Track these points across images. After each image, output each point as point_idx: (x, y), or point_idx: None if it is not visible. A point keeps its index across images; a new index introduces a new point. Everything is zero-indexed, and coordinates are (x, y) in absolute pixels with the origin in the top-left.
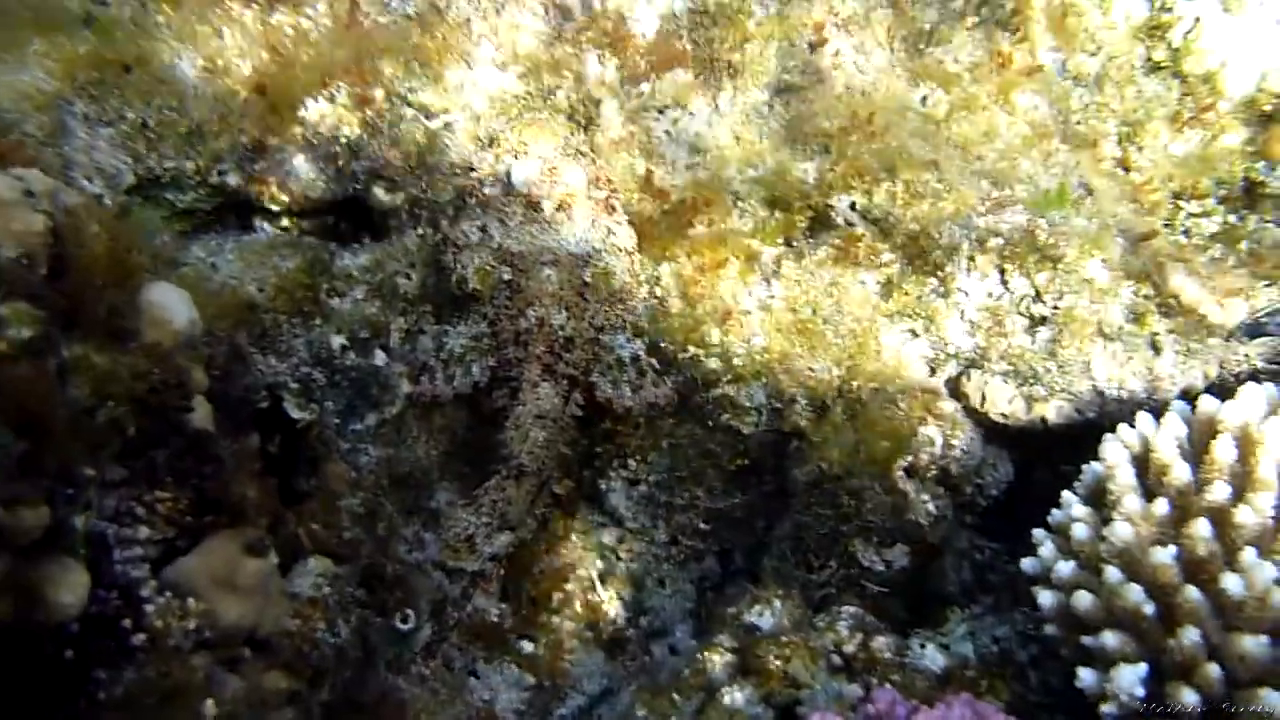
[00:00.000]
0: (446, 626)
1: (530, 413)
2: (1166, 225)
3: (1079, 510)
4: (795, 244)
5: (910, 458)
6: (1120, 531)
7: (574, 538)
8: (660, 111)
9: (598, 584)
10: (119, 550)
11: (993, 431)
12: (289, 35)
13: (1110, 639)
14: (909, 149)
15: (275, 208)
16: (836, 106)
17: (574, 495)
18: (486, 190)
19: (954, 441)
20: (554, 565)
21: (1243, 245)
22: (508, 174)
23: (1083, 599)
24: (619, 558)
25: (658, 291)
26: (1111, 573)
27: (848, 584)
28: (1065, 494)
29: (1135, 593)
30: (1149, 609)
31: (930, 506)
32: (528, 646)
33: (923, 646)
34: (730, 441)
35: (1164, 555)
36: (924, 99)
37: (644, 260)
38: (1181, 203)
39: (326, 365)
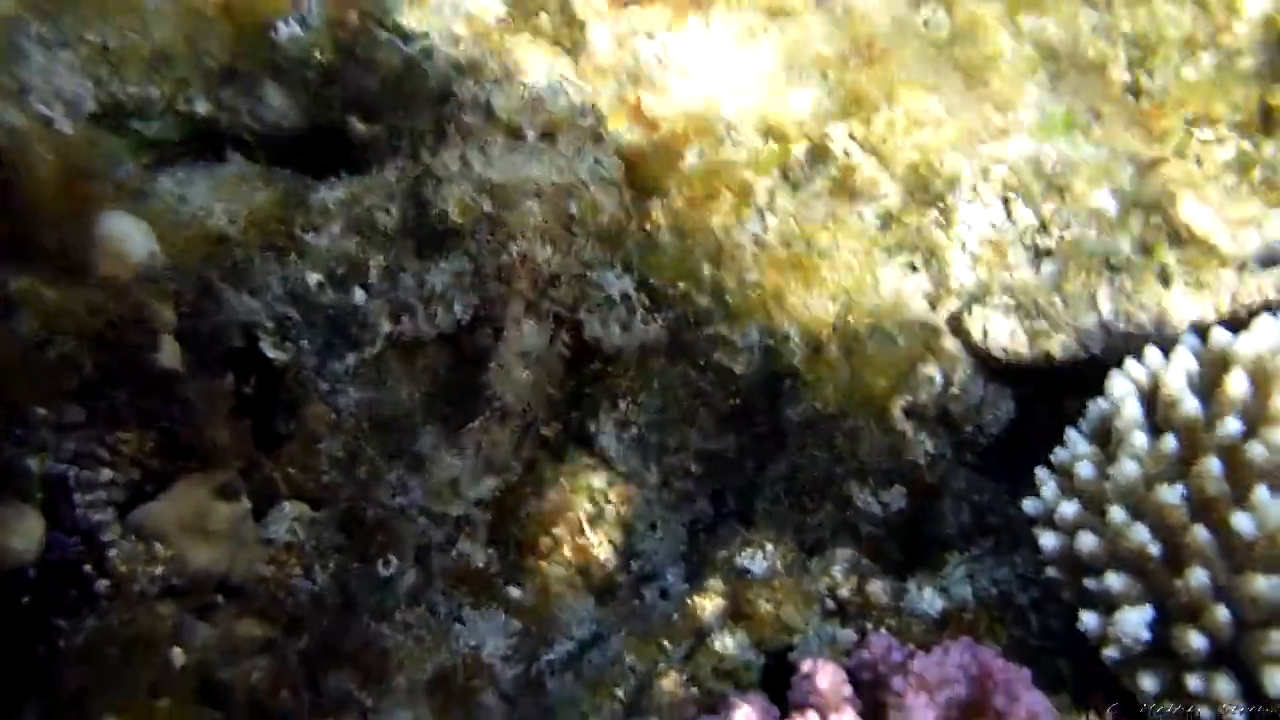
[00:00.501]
0: (431, 572)
1: (514, 351)
2: (1178, 154)
3: (1083, 448)
4: (790, 175)
5: (909, 396)
6: (1126, 469)
7: (562, 481)
8: (650, 35)
9: (587, 528)
10: (80, 494)
11: (995, 369)
12: None
13: (1114, 581)
14: (911, 74)
15: (248, 138)
16: (835, 31)
17: (562, 438)
18: (467, 118)
19: (954, 379)
20: (542, 509)
21: (1256, 173)
22: (488, 101)
23: (1086, 540)
24: (609, 501)
25: (647, 225)
26: (1116, 512)
27: (843, 527)
28: (1069, 432)
29: (1141, 533)
30: (1155, 549)
31: (929, 446)
32: (515, 592)
33: (920, 590)
34: (723, 382)
35: (1171, 494)
36: (926, 21)
37: (633, 192)
38: (1194, 130)
39: (303, 303)
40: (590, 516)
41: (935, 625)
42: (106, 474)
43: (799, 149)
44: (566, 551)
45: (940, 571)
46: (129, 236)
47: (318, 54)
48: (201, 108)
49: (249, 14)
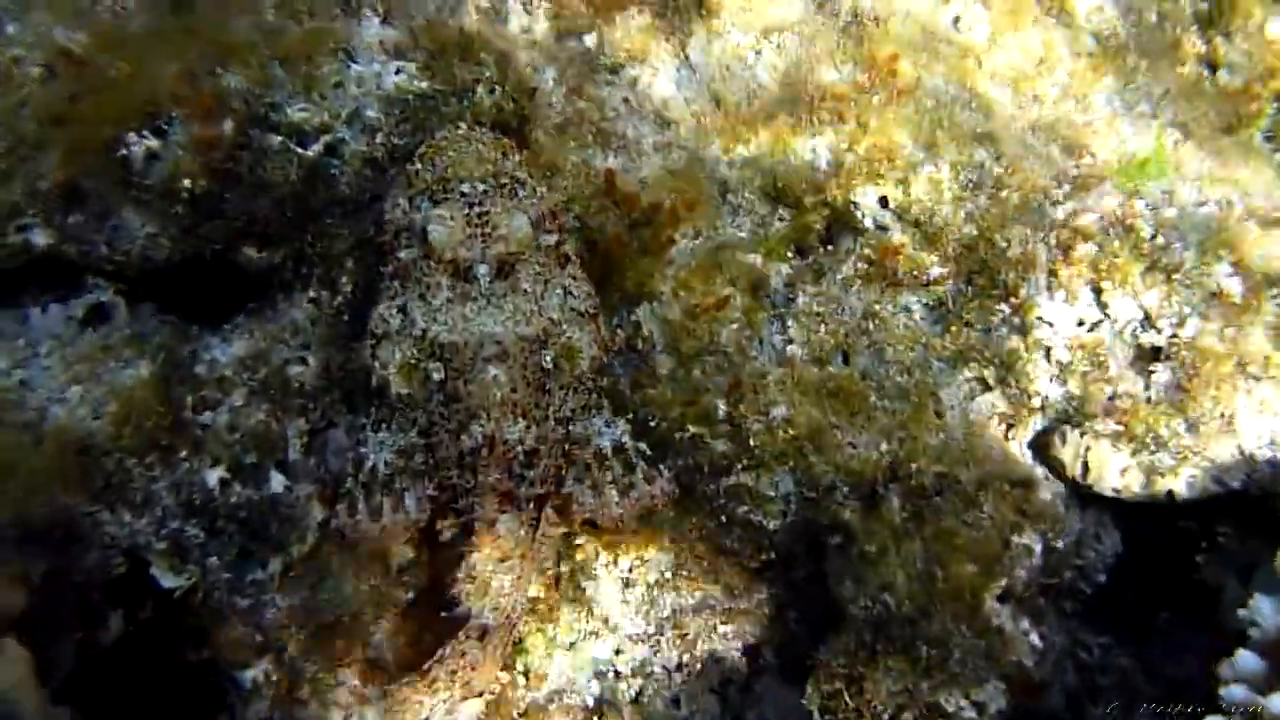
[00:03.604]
0: None
1: (490, 558)
2: (1268, 138)
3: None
4: (811, 256)
5: (1004, 581)
6: None
7: (557, 657)
8: (613, 72)
9: None
10: None
11: (1095, 498)
12: (94, 34)
13: None
14: (952, 114)
15: (109, 269)
16: (845, 45)
17: (554, 602)
18: (402, 254)
19: (1057, 545)
20: (537, 700)
21: None
22: (424, 232)
23: None
24: (617, 674)
25: (638, 344)
26: None
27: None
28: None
29: None
30: None
31: (1035, 638)
32: None
33: None
34: (751, 536)
35: None
36: (956, 20)
37: (617, 296)
38: None
39: (203, 513)
40: (598, 699)
41: None
42: None
43: (818, 219)
44: None
45: None
46: None
47: (186, 183)
48: (41, 237)
49: (89, 125)
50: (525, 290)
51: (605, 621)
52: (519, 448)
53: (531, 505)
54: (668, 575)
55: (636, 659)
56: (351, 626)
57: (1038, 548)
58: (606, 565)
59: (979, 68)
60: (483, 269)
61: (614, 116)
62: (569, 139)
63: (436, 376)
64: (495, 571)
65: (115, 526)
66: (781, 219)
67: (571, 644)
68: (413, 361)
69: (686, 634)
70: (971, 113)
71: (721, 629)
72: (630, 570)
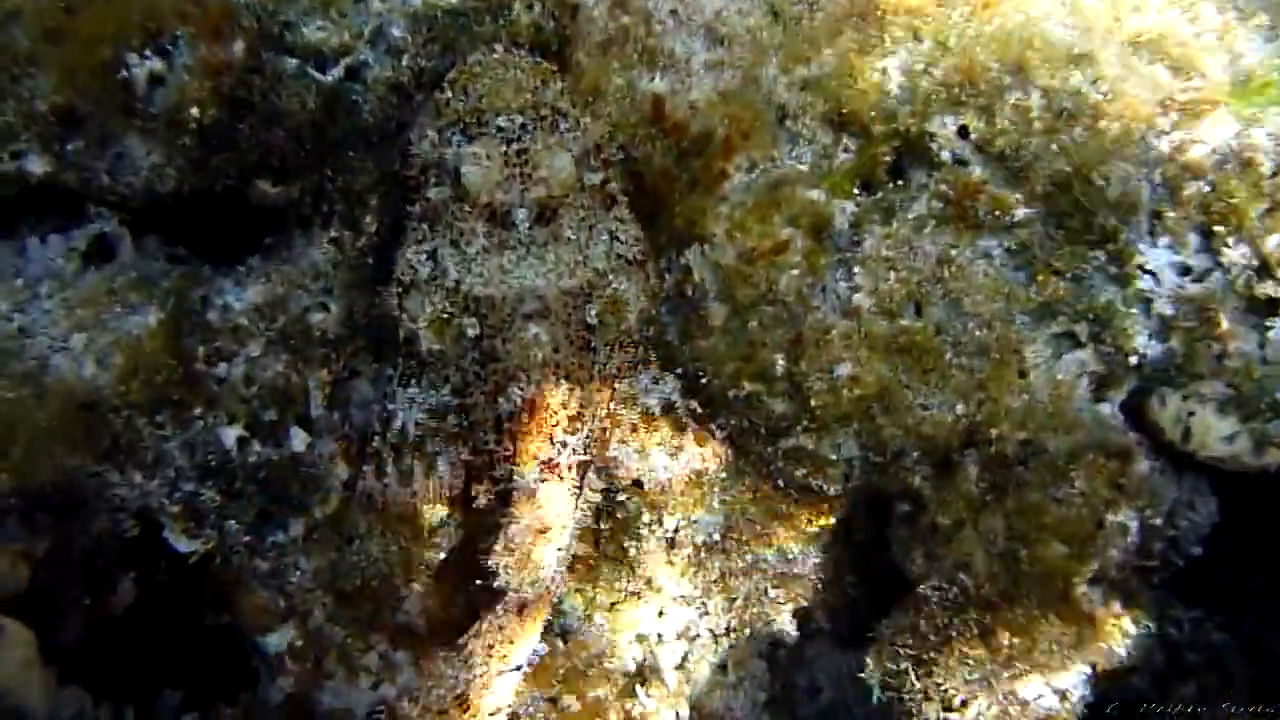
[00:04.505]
0: None
1: (530, 529)
2: None
3: None
4: (878, 191)
5: (1095, 563)
6: None
7: (598, 618)
8: None
9: (639, 692)
10: None
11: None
12: None
13: None
14: (1044, 29)
15: (111, 199)
16: None
17: (594, 559)
18: (432, 193)
19: (1155, 521)
20: (575, 665)
21: None
22: (456, 170)
23: None
24: (661, 639)
25: (688, 291)
26: None
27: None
28: None
29: None
30: None
31: (1127, 623)
32: None
33: None
34: (809, 500)
35: None
36: None
37: (665, 235)
38: None
39: (219, 474)
40: (640, 665)
41: None
42: None
43: (887, 149)
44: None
45: None
46: None
47: (193, 111)
48: (37, 165)
49: (87, 41)
50: (568, 238)
51: (649, 583)
52: (562, 412)
53: (574, 471)
54: (716, 537)
55: (681, 622)
56: (380, 590)
57: (1133, 525)
58: (651, 524)
59: None
60: (521, 214)
61: (661, 31)
62: (612, 59)
63: (471, 333)
64: (535, 544)
65: (124, 488)
66: (847, 149)
67: (612, 605)
68: (445, 315)
69: (735, 598)
70: (1066, 28)
71: (772, 593)
72: (676, 530)
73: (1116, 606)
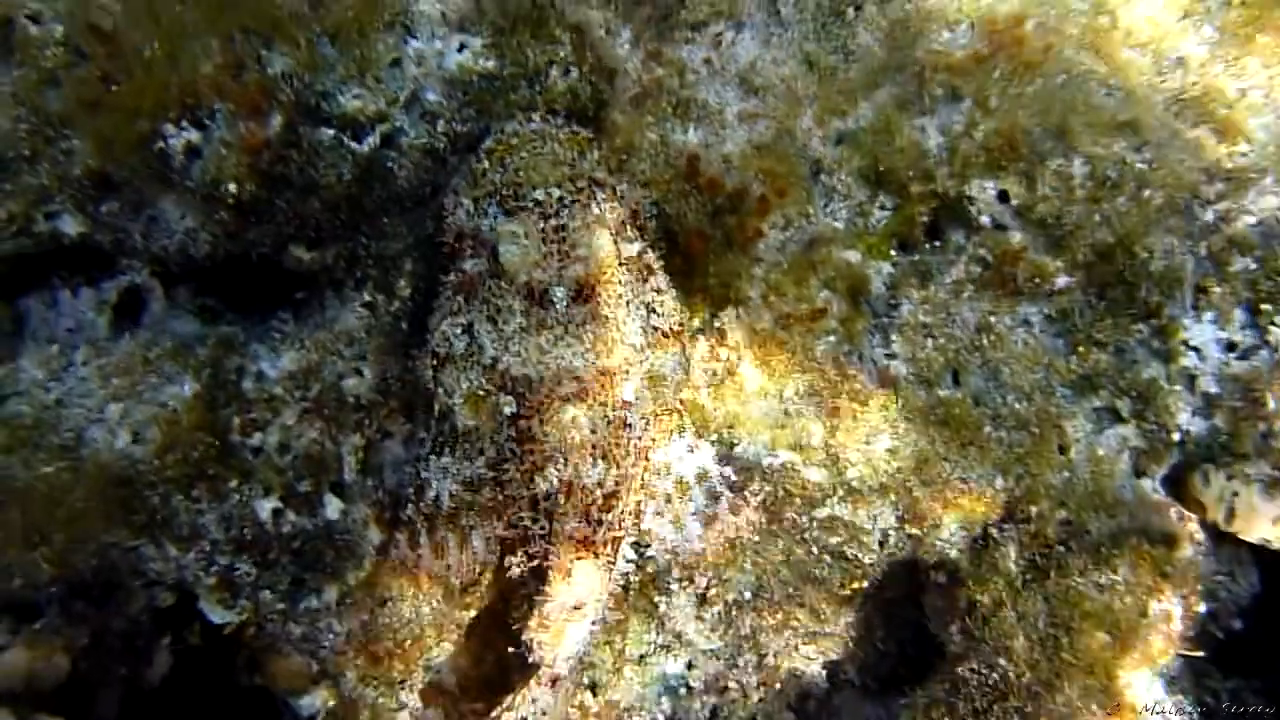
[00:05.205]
0: None
1: (564, 606)
2: None
3: None
4: (915, 253)
5: (1138, 653)
6: None
7: (627, 672)
8: (694, 29)
9: None
10: None
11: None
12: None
13: None
14: (1087, 93)
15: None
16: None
17: (622, 612)
18: (466, 267)
19: (1198, 608)
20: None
21: None
22: (494, 248)
23: None
24: (689, 690)
25: (722, 355)
26: None
27: None
28: None
29: None
30: None
31: (1170, 707)
32: None
33: None
34: (843, 567)
35: None
36: None
37: (698, 298)
38: None
39: (254, 546)
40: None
41: None
42: None
43: (924, 210)
44: None
45: None
46: None
47: (231, 187)
48: (71, 226)
49: (123, 113)
50: (606, 316)
51: (678, 637)
52: (598, 491)
53: (609, 548)
54: (748, 596)
55: (710, 674)
56: (412, 650)
57: (1178, 612)
58: (681, 581)
59: (1114, 27)
60: (559, 292)
61: (694, 81)
62: (646, 113)
63: (508, 410)
64: (569, 620)
65: (160, 562)
66: (883, 207)
67: (641, 657)
68: (481, 393)
69: (765, 654)
70: (1109, 93)
71: (803, 650)
72: (707, 588)
73: (1159, 690)
